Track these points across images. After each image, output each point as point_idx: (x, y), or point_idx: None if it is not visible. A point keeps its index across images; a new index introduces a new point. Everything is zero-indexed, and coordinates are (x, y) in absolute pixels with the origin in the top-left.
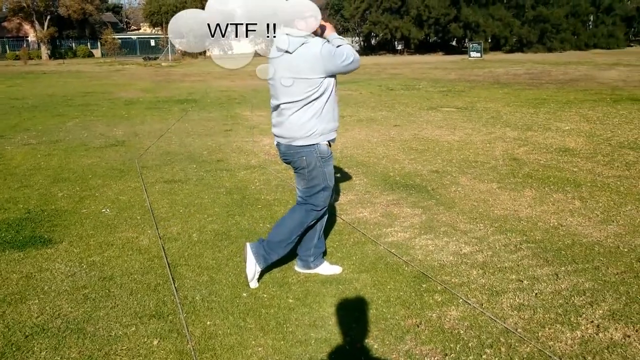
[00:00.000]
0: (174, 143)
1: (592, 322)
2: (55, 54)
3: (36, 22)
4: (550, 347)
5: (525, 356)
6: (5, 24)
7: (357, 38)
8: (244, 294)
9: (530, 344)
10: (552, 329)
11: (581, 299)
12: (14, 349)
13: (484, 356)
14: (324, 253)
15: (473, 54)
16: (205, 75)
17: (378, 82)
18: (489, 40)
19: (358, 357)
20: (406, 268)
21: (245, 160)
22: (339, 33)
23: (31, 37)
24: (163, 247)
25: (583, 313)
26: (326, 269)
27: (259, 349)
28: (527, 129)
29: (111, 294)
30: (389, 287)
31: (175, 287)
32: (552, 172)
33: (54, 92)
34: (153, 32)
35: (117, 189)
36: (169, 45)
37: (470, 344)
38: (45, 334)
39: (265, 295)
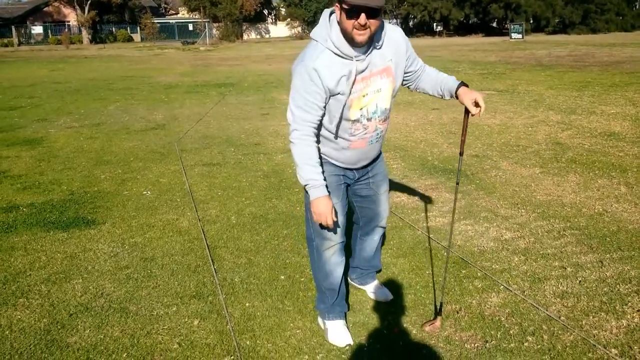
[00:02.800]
0: (212, 127)
1: (638, 310)
2: (96, 39)
3: (77, 7)
4: (594, 336)
5: (568, 344)
6: (46, 8)
7: (394, 20)
8: (282, 277)
9: (574, 332)
10: (596, 317)
11: (627, 287)
12: (58, 327)
13: (525, 344)
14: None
15: (514, 35)
16: (243, 59)
17: None
18: (531, 21)
19: (396, 342)
20: (445, 253)
21: (282, 143)
22: None
23: (72, 22)
24: (202, 230)
25: (629, 301)
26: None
27: (297, 331)
28: (571, 113)
29: (153, 275)
30: (427, 272)
31: (214, 269)
32: (597, 156)
33: (95, 76)
34: (191, 16)
35: (157, 172)
36: (206, 30)
37: (511, 331)
38: (89, 313)
39: (302, 279)
